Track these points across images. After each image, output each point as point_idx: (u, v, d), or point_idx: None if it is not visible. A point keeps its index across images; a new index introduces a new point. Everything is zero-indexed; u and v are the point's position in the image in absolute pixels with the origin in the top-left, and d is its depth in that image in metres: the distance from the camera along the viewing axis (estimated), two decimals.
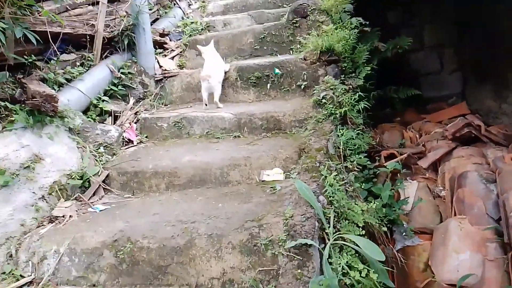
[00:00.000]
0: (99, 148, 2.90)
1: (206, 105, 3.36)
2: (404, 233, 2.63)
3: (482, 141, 3.23)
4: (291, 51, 3.90)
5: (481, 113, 4.42)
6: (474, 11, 4.46)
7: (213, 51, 3.59)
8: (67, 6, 3.45)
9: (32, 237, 2.21)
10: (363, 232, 1.99)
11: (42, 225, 2.35)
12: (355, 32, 3.62)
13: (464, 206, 2.59)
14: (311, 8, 3.93)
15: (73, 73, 3.17)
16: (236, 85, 3.62)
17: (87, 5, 3.66)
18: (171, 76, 3.74)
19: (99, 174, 2.73)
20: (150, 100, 3.58)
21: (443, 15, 5.05)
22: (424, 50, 5.16)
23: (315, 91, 3.21)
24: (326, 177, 2.18)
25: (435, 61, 5.15)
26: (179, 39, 4.39)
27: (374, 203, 2.30)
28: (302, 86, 3.44)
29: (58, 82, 3.04)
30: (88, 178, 2.69)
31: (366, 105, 3.11)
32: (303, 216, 1.88)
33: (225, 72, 3.56)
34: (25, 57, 2.87)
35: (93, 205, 2.53)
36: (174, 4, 4.94)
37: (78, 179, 2.66)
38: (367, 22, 3.87)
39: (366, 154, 2.97)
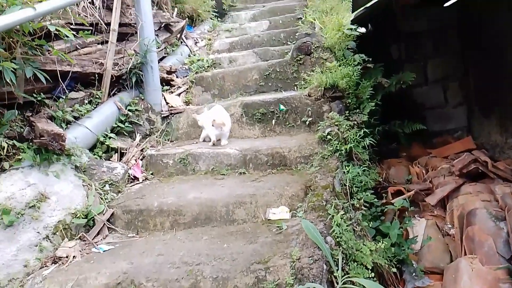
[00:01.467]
0: (105, 185, 2.90)
1: (214, 144, 3.35)
2: (414, 273, 2.55)
3: (489, 177, 3.19)
4: (295, 88, 3.96)
5: (488, 147, 4.40)
6: (478, 44, 4.53)
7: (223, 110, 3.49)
8: (77, 45, 3.55)
9: (35, 278, 2.17)
10: (372, 274, 1.94)
11: (45, 266, 2.31)
12: (358, 69, 3.68)
13: (474, 244, 2.53)
14: (315, 45, 4.02)
15: (81, 111, 3.23)
16: (241, 121, 3.65)
17: (96, 44, 3.76)
18: (177, 113, 3.79)
19: (103, 212, 2.71)
20: (156, 137, 3.61)
21: (446, 49, 5.13)
22: (428, 84, 5.19)
23: (320, 127, 3.23)
24: (333, 216, 2.16)
25: (439, 95, 5.17)
26: (186, 76, 4.47)
27: (382, 242, 2.26)
28: (307, 122, 3.46)
29: (66, 120, 3.09)
30: (92, 217, 2.67)
31: (371, 141, 3.12)
32: (310, 258, 1.84)
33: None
34: (34, 95, 2.94)
35: (97, 245, 2.50)
36: (181, 42, 5.08)
37: (83, 218, 2.64)
38: (370, 59, 3.94)
39: (372, 191, 2.94)
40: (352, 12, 4.46)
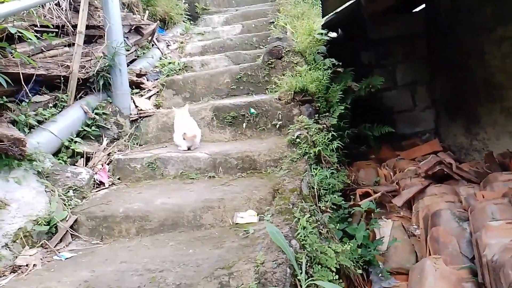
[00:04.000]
0: (69, 191, 2.81)
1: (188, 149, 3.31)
2: (380, 274, 2.59)
3: (454, 178, 3.29)
4: (266, 91, 3.97)
5: (454, 149, 4.54)
6: (444, 51, 4.67)
7: (187, 113, 3.45)
8: (42, 48, 3.45)
9: None
10: (337, 276, 1.95)
11: (3, 276, 2.21)
12: (328, 73, 3.73)
13: (439, 245, 2.59)
14: (286, 50, 4.05)
15: (44, 115, 3.13)
16: (212, 124, 3.63)
17: (63, 47, 3.67)
18: (147, 116, 3.73)
19: (67, 219, 2.62)
20: (125, 141, 3.54)
21: (414, 54, 5.27)
22: (397, 88, 5.32)
23: (290, 131, 3.25)
24: (299, 219, 2.16)
25: (408, 99, 5.31)
26: (157, 79, 4.42)
27: (349, 244, 2.28)
28: (277, 126, 3.47)
29: (29, 124, 2.99)
30: (55, 224, 2.58)
31: (339, 144, 3.15)
32: (274, 262, 1.84)
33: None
34: None
35: (59, 252, 2.42)
36: (153, 45, 5.02)
37: (45, 224, 2.55)
38: (340, 63, 4.00)
39: (341, 193, 2.97)
40: (323, 17, 4.54)
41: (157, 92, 4.22)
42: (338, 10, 4.66)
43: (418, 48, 5.23)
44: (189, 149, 3.28)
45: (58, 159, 3.07)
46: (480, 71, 3.78)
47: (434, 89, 5.16)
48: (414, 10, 5.53)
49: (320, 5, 4.18)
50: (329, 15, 4.65)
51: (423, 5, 5.28)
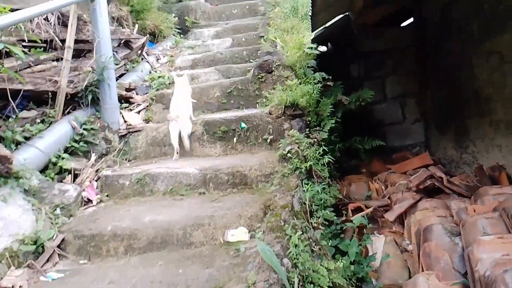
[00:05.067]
0: (56, 209, 2.75)
1: (177, 153, 3.42)
2: None
3: (445, 192, 3.29)
4: (257, 105, 3.96)
5: (444, 162, 4.55)
6: (433, 63, 4.72)
7: (186, 83, 3.75)
8: (30, 63, 3.41)
9: None
10: None
11: None
12: (318, 87, 3.74)
13: (431, 260, 2.58)
14: (276, 64, 4.05)
15: (31, 131, 3.08)
16: (202, 139, 3.60)
17: (51, 61, 3.62)
18: (136, 131, 3.69)
19: (54, 238, 2.56)
20: (113, 156, 3.48)
21: (404, 67, 5.33)
22: (387, 101, 5.35)
23: (280, 145, 3.23)
24: (290, 237, 2.13)
25: (397, 112, 5.34)
26: (146, 93, 4.39)
27: (341, 261, 2.25)
28: (268, 140, 3.45)
29: (15, 141, 2.94)
30: (42, 243, 2.51)
31: (330, 159, 3.15)
32: (266, 282, 1.80)
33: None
34: None
35: (46, 273, 2.35)
36: (142, 59, 5.00)
37: (31, 244, 2.48)
38: (330, 77, 4.02)
39: (333, 209, 2.95)
40: (312, 32, 4.56)
41: (147, 106, 4.18)
42: (327, 24, 4.70)
43: (407, 61, 5.29)
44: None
45: (45, 176, 3.01)
46: (469, 84, 3.82)
47: (423, 101, 5.20)
48: (402, 24, 5.61)
49: (310, 19, 4.20)
50: (319, 29, 4.69)
51: (412, 19, 5.35)
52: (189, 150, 3.49)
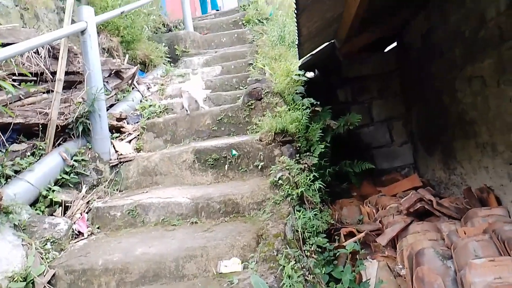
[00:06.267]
0: (46, 244, 2.71)
1: (187, 111, 4.29)
2: None
3: (435, 214, 3.33)
4: (247, 132, 4.00)
5: (433, 184, 4.61)
6: (417, 87, 4.84)
7: (199, 79, 4.68)
8: (20, 95, 3.42)
9: None
10: None
11: None
12: (307, 112, 3.81)
13: (424, 285, 2.58)
14: (265, 91, 4.12)
15: (22, 164, 3.06)
16: (194, 167, 3.60)
17: (41, 93, 3.64)
18: (127, 161, 3.68)
19: (44, 274, 2.51)
20: (104, 187, 3.47)
21: (389, 91, 5.45)
22: (374, 124, 5.45)
23: (272, 171, 3.24)
24: (284, 267, 2.13)
25: (385, 134, 5.43)
26: (137, 122, 4.41)
27: None
28: (259, 167, 3.48)
29: (5, 175, 2.92)
30: (32, 279, 2.46)
31: (321, 185, 3.18)
32: None
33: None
34: None
35: None
36: (133, 88, 5.04)
37: (21, 281, 2.43)
38: (318, 102, 4.10)
39: (325, 235, 2.96)
40: (299, 59, 4.67)
41: (138, 135, 4.20)
42: (314, 52, 4.82)
43: (392, 85, 5.42)
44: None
45: (36, 209, 2.99)
46: (453, 107, 3.92)
47: (410, 124, 5.30)
48: (386, 49, 5.77)
49: (297, 48, 4.31)
50: (306, 56, 4.80)
51: (395, 43, 5.52)
52: (203, 107, 4.41)
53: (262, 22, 7.25)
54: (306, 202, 3.12)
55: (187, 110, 4.30)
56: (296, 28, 3.54)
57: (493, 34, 3.09)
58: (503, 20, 2.95)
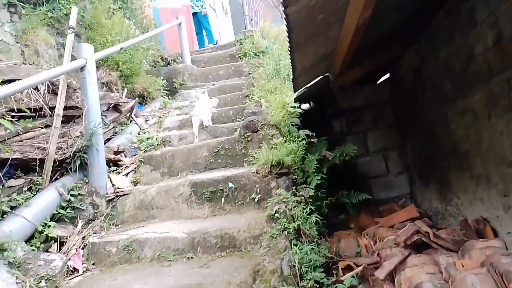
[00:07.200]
0: (40, 281, 2.68)
1: (196, 137, 4.66)
2: None
3: (433, 246, 3.31)
4: (244, 164, 4.03)
5: (430, 214, 4.60)
6: (410, 118, 4.91)
7: (207, 98, 5.25)
8: (19, 131, 3.47)
9: None
10: None
11: None
12: (303, 144, 3.85)
13: None
14: (261, 123, 4.19)
15: (18, 200, 3.07)
16: (190, 200, 3.61)
17: (40, 128, 3.69)
18: (124, 195, 3.69)
19: None
20: (100, 221, 3.46)
21: (383, 122, 5.51)
22: (370, 154, 5.48)
23: (268, 204, 3.25)
24: None
25: (381, 165, 5.44)
26: (135, 155, 4.44)
27: None
28: (256, 199, 3.48)
29: (1, 211, 2.93)
30: None
31: (318, 218, 3.18)
32: None
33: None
34: None
35: None
36: (131, 121, 5.10)
37: None
38: (314, 134, 4.15)
39: (323, 269, 2.93)
40: (294, 92, 4.77)
41: (135, 168, 4.22)
42: (308, 85, 4.92)
43: (386, 116, 5.48)
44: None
45: (31, 246, 2.97)
46: (446, 139, 3.97)
47: (405, 155, 5.34)
48: (379, 81, 5.89)
49: (292, 82, 4.41)
50: (301, 89, 4.90)
51: (388, 75, 5.63)
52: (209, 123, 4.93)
53: (258, 55, 7.44)
54: (303, 235, 3.10)
55: (196, 137, 4.67)
56: (290, 63, 3.64)
57: (482, 69, 3.18)
58: (491, 55, 3.05)
